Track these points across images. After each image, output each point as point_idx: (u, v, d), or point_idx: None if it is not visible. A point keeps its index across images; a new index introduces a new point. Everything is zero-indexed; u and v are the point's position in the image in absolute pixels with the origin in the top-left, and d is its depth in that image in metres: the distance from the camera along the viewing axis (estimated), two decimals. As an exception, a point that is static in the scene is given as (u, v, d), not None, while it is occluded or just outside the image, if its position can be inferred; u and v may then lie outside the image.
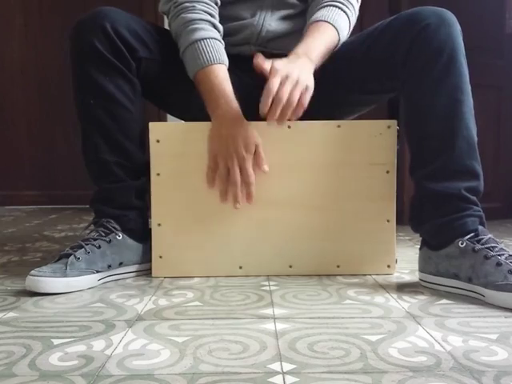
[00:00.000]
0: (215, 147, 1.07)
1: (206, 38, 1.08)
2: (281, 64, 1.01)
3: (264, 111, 0.99)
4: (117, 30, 1.05)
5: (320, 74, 1.06)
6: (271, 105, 0.99)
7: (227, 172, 1.07)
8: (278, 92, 0.98)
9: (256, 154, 1.07)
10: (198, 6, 1.10)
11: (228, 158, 1.05)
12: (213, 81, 1.06)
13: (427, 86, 1.00)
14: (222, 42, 1.12)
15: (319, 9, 1.14)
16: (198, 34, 1.08)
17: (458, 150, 0.98)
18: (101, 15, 1.05)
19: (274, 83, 0.98)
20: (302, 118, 1.08)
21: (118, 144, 1.10)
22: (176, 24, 1.11)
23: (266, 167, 1.08)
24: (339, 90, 1.16)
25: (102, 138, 1.09)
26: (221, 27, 1.13)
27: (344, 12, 1.14)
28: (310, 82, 1.02)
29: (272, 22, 1.19)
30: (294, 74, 1.00)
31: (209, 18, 1.10)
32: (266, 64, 1.01)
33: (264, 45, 1.21)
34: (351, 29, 1.18)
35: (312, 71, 1.05)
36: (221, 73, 1.07)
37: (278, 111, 0.99)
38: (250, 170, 1.06)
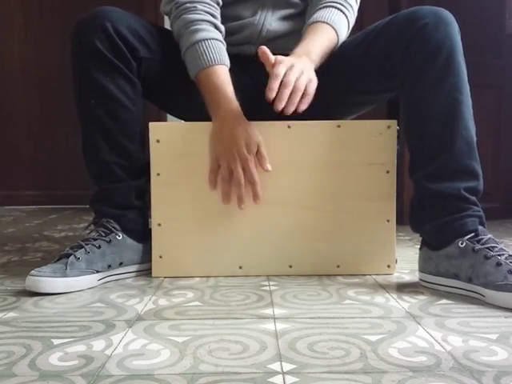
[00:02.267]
0: (217, 148, 1.07)
1: (207, 39, 1.08)
2: (284, 58, 1.01)
3: (271, 96, 0.97)
4: (117, 30, 1.05)
5: (319, 74, 1.06)
6: (278, 90, 0.97)
7: (230, 173, 1.07)
8: (284, 77, 0.97)
9: (258, 153, 1.07)
10: (200, 6, 1.10)
11: (230, 159, 1.05)
12: (214, 81, 1.06)
13: (426, 85, 1.00)
14: (224, 42, 1.12)
15: (318, 9, 1.14)
16: (200, 35, 1.08)
17: (457, 149, 0.98)
18: (101, 15, 1.05)
19: (280, 70, 0.97)
20: (301, 118, 1.08)
21: (119, 144, 1.10)
22: (178, 25, 1.11)
23: (268, 166, 1.07)
24: (339, 90, 1.15)
25: (102, 138, 1.09)
26: (222, 28, 1.13)
27: (343, 13, 1.14)
28: (314, 76, 1.03)
29: (273, 21, 1.19)
30: (299, 65, 1.00)
31: (210, 18, 1.10)
32: (270, 55, 1.01)
33: (265, 44, 1.20)
34: (350, 30, 1.18)
35: (313, 70, 1.05)
36: (222, 73, 1.07)
37: (286, 96, 0.97)
38: (254, 170, 1.06)
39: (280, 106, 0.97)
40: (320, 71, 1.08)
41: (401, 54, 1.03)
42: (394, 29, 1.05)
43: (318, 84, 1.04)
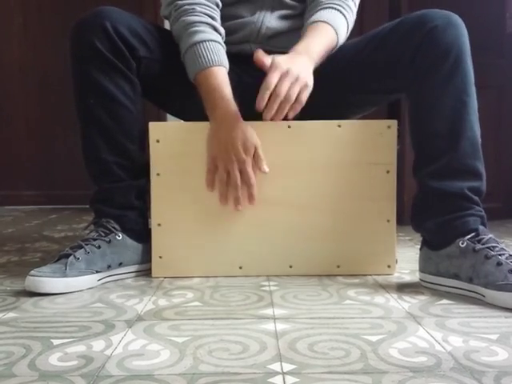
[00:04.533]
0: (214, 150, 1.07)
1: (206, 41, 1.08)
2: (281, 59, 1.01)
3: (260, 106, 1.00)
4: (117, 30, 1.05)
5: (325, 75, 1.06)
6: (268, 100, 0.99)
7: (227, 175, 1.07)
8: (276, 87, 0.99)
9: (255, 155, 1.07)
10: (199, 8, 1.10)
11: (228, 161, 1.05)
12: (212, 83, 1.06)
13: (434, 86, 1.01)
14: (223, 44, 1.12)
15: (317, 10, 1.14)
16: (198, 37, 1.08)
17: (462, 150, 0.99)
18: (101, 15, 1.05)
19: (273, 78, 0.99)
20: (306, 119, 1.08)
21: (118, 144, 1.10)
22: (177, 27, 1.11)
23: (265, 168, 1.08)
24: (345, 91, 1.16)
25: (101, 137, 1.09)
26: (222, 30, 1.13)
27: (342, 14, 1.14)
28: (310, 79, 1.03)
29: (272, 20, 1.20)
30: (295, 70, 1.00)
31: (209, 20, 1.10)
32: (266, 59, 1.01)
33: (264, 43, 1.21)
34: (349, 31, 1.19)
35: (312, 69, 1.05)
36: (220, 75, 1.07)
37: (275, 107, 1.00)
38: (251, 172, 1.06)
39: (268, 116, 1.02)
40: (326, 72, 1.08)
41: (410, 55, 1.03)
42: (403, 31, 1.06)
43: (323, 85, 1.04)
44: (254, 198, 1.08)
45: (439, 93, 1.00)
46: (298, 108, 1.03)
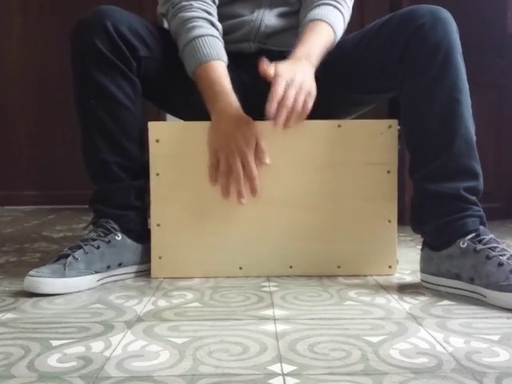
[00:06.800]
0: (215, 143, 1.07)
1: (203, 36, 1.08)
2: (284, 68, 1.01)
3: (271, 116, 1.00)
4: (117, 29, 1.05)
5: (318, 74, 1.06)
6: (276, 109, 0.99)
7: (229, 168, 1.06)
8: (283, 97, 0.99)
9: (257, 147, 1.06)
10: (196, 4, 1.10)
11: (229, 153, 1.05)
12: (211, 76, 1.06)
13: (425, 84, 1.00)
14: (221, 39, 1.12)
15: (313, 8, 1.14)
16: (196, 32, 1.08)
17: (457, 149, 0.98)
18: (102, 14, 1.05)
19: (279, 88, 0.99)
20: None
21: (118, 144, 1.09)
22: (174, 24, 1.12)
23: (267, 160, 1.07)
24: (338, 90, 1.15)
25: (101, 137, 1.09)
26: (219, 25, 1.13)
27: (338, 10, 1.14)
28: (313, 87, 1.03)
29: (270, 18, 1.20)
30: (298, 79, 1.00)
31: (206, 15, 1.11)
32: (270, 69, 1.01)
33: (263, 41, 1.21)
34: (346, 26, 1.18)
35: (313, 75, 1.05)
36: (219, 69, 1.07)
37: (284, 116, 1.00)
38: (253, 165, 1.05)
39: (278, 126, 1.01)
40: (319, 71, 1.07)
41: (399, 53, 1.03)
42: (391, 28, 1.05)
43: (318, 84, 1.03)
44: (256, 190, 1.07)
45: (430, 91, 0.99)
46: (304, 116, 1.03)
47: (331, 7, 1.14)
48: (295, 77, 1.00)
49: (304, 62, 1.05)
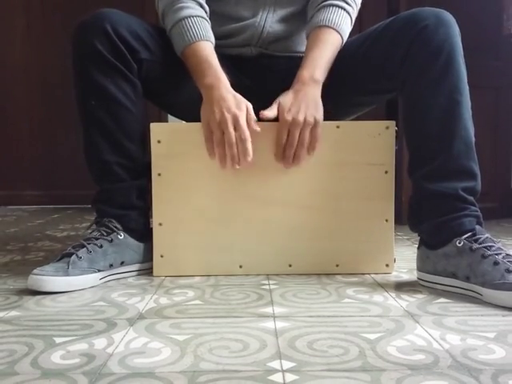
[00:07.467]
0: (207, 113, 1.06)
1: (192, 16, 1.09)
2: (286, 102, 1.04)
3: (279, 161, 1.06)
4: (118, 32, 1.05)
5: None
6: (284, 151, 1.06)
7: (222, 135, 1.05)
8: (287, 139, 1.04)
9: (247, 114, 1.05)
10: None
11: (221, 120, 1.03)
12: (200, 54, 1.08)
13: (426, 86, 1.00)
14: (209, 20, 1.13)
15: (320, 9, 1.13)
16: (185, 12, 1.09)
17: (456, 150, 0.99)
18: (102, 17, 1.06)
19: (282, 135, 1.05)
20: None
21: (119, 145, 1.10)
22: (163, 4, 1.13)
23: (257, 127, 1.06)
24: (339, 92, 1.16)
25: (103, 138, 1.09)
26: (207, 7, 1.14)
27: (345, 10, 1.13)
28: (318, 114, 1.05)
29: (273, 23, 1.19)
30: (302, 114, 1.03)
31: None
32: (270, 114, 1.05)
33: (265, 46, 1.21)
34: (352, 25, 1.17)
35: (319, 94, 1.07)
36: (207, 48, 1.09)
37: (291, 157, 1.06)
38: (244, 126, 1.04)
39: (288, 166, 1.08)
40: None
41: (401, 55, 1.03)
42: (394, 30, 1.05)
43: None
44: (248, 153, 1.05)
45: (431, 93, 0.99)
46: (315, 145, 1.07)
47: (338, 9, 1.12)
48: (299, 110, 1.03)
49: (308, 86, 1.06)
